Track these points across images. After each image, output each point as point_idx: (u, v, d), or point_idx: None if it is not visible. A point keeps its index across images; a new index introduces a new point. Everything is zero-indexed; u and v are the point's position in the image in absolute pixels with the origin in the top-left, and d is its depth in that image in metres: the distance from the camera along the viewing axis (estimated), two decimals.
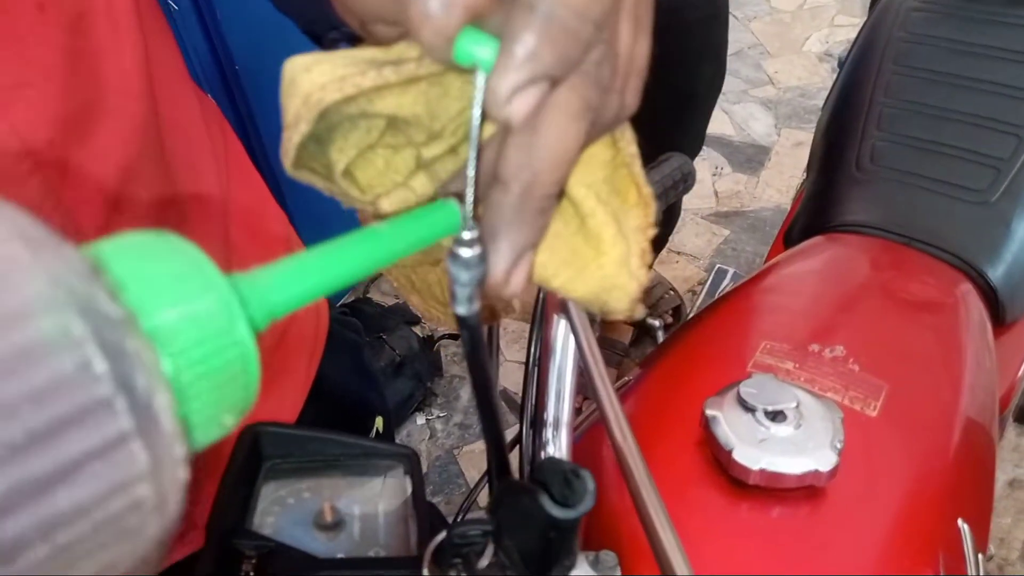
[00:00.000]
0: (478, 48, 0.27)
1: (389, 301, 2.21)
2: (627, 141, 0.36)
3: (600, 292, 0.37)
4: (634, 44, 0.30)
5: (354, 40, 0.56)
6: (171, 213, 0.56)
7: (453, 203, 0.32)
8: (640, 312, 0.39)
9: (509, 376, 2.00)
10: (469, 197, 0.30)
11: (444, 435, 1.96)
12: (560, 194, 0.35)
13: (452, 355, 2.12)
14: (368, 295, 2.25)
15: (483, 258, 0.31)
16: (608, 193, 0.36)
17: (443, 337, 2.12)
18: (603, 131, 0.32)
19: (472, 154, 0.30)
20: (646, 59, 0.32)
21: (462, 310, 0.32)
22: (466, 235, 0.30)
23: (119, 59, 0.49)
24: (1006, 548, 1.57)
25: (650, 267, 0.39)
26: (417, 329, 2.10)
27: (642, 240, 0.37)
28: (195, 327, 0.20)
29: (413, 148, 0.35)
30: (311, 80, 0.29)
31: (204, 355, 0.20)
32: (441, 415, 2.01)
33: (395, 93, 0.31)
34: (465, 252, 0.30)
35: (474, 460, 1.90)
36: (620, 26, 0.29)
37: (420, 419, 1.99)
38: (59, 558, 0.16)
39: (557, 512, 0.37)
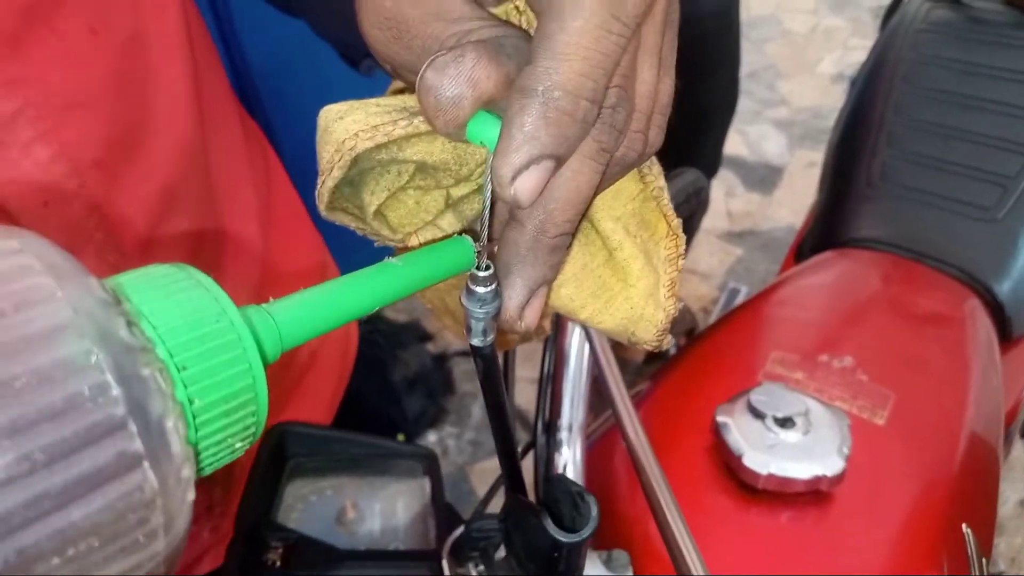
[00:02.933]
0: (488, 129, 0.28)
1: (402, 319, 2.23)
2: (654, 175, 0.37)
3: (628, 323, 0.38)
4: (657, 83, 0.31)
5: None
6: (210, 231, 0.57)
7: (467, 240, 0.33)
8: (668, 343, 0.39)
9: (521, 394, 2.00)
10: (484, 239, 0.31)
11: (456, 452, 1.97)
12: (576, 232, 0.37)
13: (464, 372, 2.13)
14: (381, 313, 2.27)
15: (498, 293, 0.31)
16: (637, 226, 0.37)
17: (455, 355, 2.13)
18: (626, 169, 0.33)
19: (485, 217, 0.31)
20: (670, 97, 0.32)
21: (477, 342, 0.33)
22: (481, 272, 0.31)
23: (170, 80, 0.51)
24: (1017, 567, 1.57)
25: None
26: (429, 346, 2.12)
27: (672, 271, 0.38)
28: (209, 357, 0.21)
29: (442, 189, 0.36)
30: (344, 128, 0.31)
31: (216, 384, 0.21)
32: (453, 432, 2.02)
33: (424, 141, 0.32)
34: (480, 288, 0.31)
35: (486, 477, 1.91)
36: (641, 68, 0.30)
37: (432, 436, 2.00)
38: (70, 570, 0.17)
39: (560, 536, 0.39)
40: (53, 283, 0.18)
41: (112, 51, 0.47)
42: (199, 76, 0.54)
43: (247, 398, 0.22)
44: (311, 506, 0.52)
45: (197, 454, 0.22)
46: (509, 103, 0.27)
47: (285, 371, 0.69)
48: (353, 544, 0.50)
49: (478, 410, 2.05)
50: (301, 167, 0.77)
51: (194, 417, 0.21)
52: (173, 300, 0.22)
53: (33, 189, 0.45)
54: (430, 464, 0.55)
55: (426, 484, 0.55)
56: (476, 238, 0.33)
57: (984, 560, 0.63)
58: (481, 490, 1.89)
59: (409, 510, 0.53)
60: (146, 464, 0.18)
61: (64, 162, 0.46)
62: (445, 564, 0.46)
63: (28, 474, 0.16)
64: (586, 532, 0.39)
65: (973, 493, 0.67)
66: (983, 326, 0.86)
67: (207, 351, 0.21)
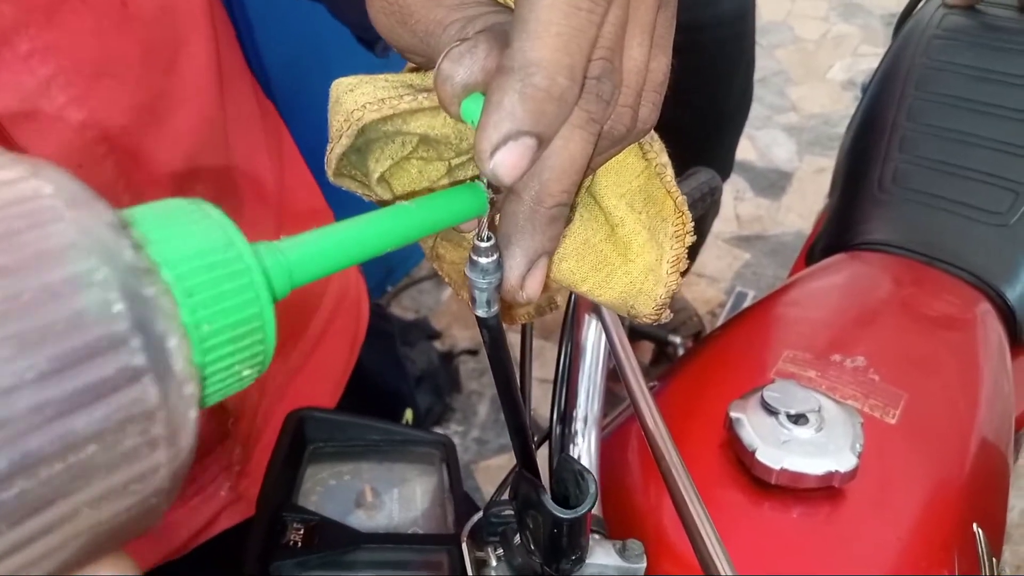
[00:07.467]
0: (477, 110, 0.29)
1: (410, 316, 2.23)
2: (656, 152, 0.38)
3: (627, 297, 0.39)
4: (648, 61, 0.32)
5: None
6: (229, 197, 0.59)
7: (479, 185, 0.33)
8: (667, 317, 0.40)
9: (533, 395, 2.00)
10: (485, 214, 0.32)
11: (462, 450, 1.98)
12: (574, 204, 0.38)
13: (471, 370, 2.13)
14: (389, 310, 2.28)
15: (500, 264, 0.32)
16: (643, 203, 0.38)
17: (462, 353, 2.14)
18: (617, 143, 0.33)
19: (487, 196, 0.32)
20: (664, 75, 0.33)
21: (481, 313, 0.33)
22: (483, 243, 0.32)
23: (194, 52, 0.53)
24: None
25: (684, 272, 0.40)
26: (437, 344, 2.13)
27: (678, 247, 0.39)
28: (216, 285, 0.22)
29: (444, 161, 0.37)
30: (353, 100, 0.32)
31: (223, 310, 0.22)
32: (459, 430, 2.03)
33: (428, 115, 0.33)
34: (482, 259, 0.32)
35: (491, 475, 1.91)
36: (630, 44, 0.31)
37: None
38: (73, 475, 0.18)
39: (558, 512, 0.39)
40: (62, 205, 0.19)
41: (141, 23, 0.49)
42: (220, 50, 0.56)
43: (254, 326, 0.23)
44: (330, 490, 0.53)
45: (204, 377, 0.22)
46: (493, 80, 0.28)
47: (296, 339, 0.70)
48: (372, 528, 0.51)
49: (484, 408, 2.06)
50: (307, 148, 0.78)
51: (201, 341, 0.22)
52: (184, 230, 0.22)
53: (68, 152, 0.47)
54: (447, 451, 0.56)
55: (443, 471, 0.55)
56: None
57: (995, 560, 0.64)
58: (487, 487, 1.90)
59: (427, 496, 0.53)
60: (147, 378, 0.19)
61: (94, 127, 0.48)
62: (464, 548, 0.46)
63: (34, 382, 0.17)
64: (583, 509, 0.39)
65: (984, 493, 0.68)
66: (994, 330, 0.86)
67: (214, 278, 0.22)
